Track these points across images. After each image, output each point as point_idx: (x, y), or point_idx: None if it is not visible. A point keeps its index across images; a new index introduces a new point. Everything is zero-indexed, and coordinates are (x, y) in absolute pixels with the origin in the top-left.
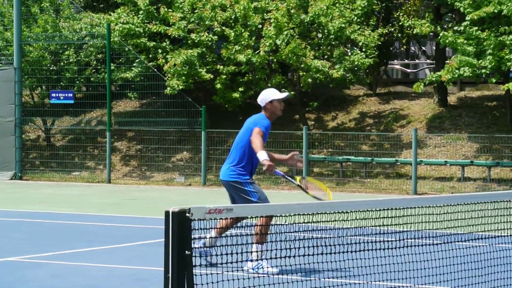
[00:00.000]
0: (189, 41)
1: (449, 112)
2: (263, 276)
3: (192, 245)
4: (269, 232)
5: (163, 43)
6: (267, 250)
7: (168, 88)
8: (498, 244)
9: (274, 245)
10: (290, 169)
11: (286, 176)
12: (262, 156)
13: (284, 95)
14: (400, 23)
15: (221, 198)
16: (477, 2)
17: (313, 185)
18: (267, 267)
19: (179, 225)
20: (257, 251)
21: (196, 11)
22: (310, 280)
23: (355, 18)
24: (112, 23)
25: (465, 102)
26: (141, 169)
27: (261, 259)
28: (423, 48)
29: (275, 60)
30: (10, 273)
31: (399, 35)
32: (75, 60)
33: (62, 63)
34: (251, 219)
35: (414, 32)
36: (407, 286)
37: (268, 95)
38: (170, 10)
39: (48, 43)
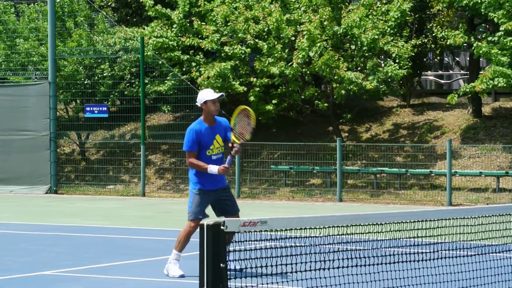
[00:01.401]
0: (223, 54)
1: (483, 123)
2: None
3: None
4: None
5: (196, 56)
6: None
7: None
8: None
9: (308, 257)
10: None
11: (232, 153)
12: (213, 169)
13: (217, 95)
14: (433, 34)
15: (255, 211)
16: (511, 12)
17: (242, 127)
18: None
19: (214, 238)
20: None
21: (229, 23)
22: None
23: (388, 29)
24: (146, 37)
25: (500, 112)
26: (175, 182)
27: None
28: (457, 58)
29: (308, 72)
30: (46, 287)
31: (433, 46)
32: (109, 74)
33: (96, 77)
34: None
35: (448, 43)
36: None
37: (202, 96)
38: (203, 23)
39: (82, 57)
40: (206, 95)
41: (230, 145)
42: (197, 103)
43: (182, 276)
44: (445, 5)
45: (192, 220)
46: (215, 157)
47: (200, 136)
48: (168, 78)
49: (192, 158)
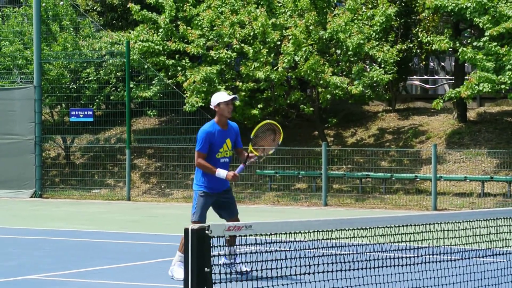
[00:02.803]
0: (208, 58)
1: (468, 128)
2: None
3: (221, 262)
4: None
5: (182, 61)
6: (287, 267)
7: (187, 105)
8: None
9: (293, 262)
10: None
11: (246, 163)
12: (221, 173)
13: (230, 97)
14: (419, 39)
15: (240, 215)
16: (496, 17)
17: (264, 141)
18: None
19: (199, 242)
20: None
21: (215, 28)
22: None
23: (374, 34)
24: (132, 41)
25: (485, 117)
26: (161, 186)
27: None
28: (442, 63)
29: (293, 76)
30: None
31: (418, 51)
32: (94, 78)
33: (81, 81)
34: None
35: (433, 48)
36: None
37: (215, 98)
38: (189, 27)
39: (68, 61)
40: (219, 97)
41: (246, 154)
42: (210, 106)
43: None
44: (430, 11)
45: (196, 221)
46: (223, 160)
47: (212, 138)
48: (153, 82)
49: (201, 158)
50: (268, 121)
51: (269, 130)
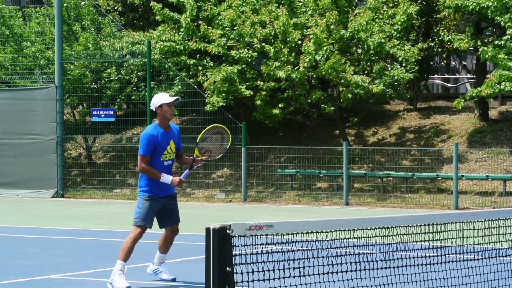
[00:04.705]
0: (229, 58)
1: (490, 127)
2: None
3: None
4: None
5: (203, 60)
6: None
7: (208, 105)
8: None
9: (315, 261)
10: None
11: (192, 168)
12: (166, 179)
13: (172, 99)
14: (440, 38)
15: (261, 214)
16: None
17: (211, 145)
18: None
19: (220, 242)
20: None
21: (236, 28)
22: None
23: (395, 33)
24: (153, 41)
25: (506, 116)
26: (182, 186)
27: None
28: (464, 62)
29: (314, 76)
30: None
31: (439, 49)
32: (116, 78)
33: (103, 81)
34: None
35: (454, 47)
36: None
37: (157, 100)
38: (210, 27)
39: (89, 61)
40: (161, 98)
41: (191, 158)
42: (151, 107)
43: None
44: (452, 9)
45: (139, 225)
46: (167, 163)
47: (156, 141)
48: (174, 82)
49: (145, 163)
50: (215, 125)
51: (216, 134)
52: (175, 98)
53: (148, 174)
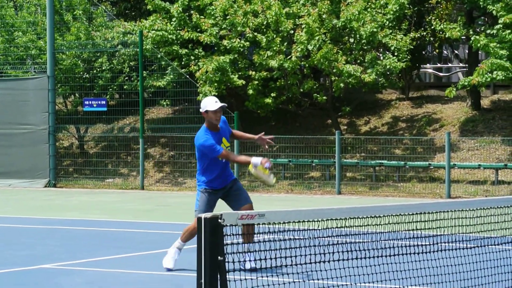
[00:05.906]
0: (221, 48)
1: (482, 116)
2: (299, 281)
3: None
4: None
5: (195, 50)
6: (301, 255)
7: (201, 95)
8: None
9: (307, 250)
10: (260, 150)
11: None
12: (255, 160)
13: (218, 105)
14: (432, 27)
15: (254, 203)
16: (510, 5)
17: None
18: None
19: (211, 231)
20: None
21: (228, 17)
22: (346, 285)
23: (387, 22)
24: (145, 31)
25: (499, 105)
26: (174, 175)
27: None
28: (456, 51)
29: (307, 65)
30: (46, 280)
31: (431, 39)
32: (108, 67)
33: (95, 71)
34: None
35: (446, 36)
36: None
37: (204, 105)
38: (202, 16)
39: (81, 51)
40: (207, 104)
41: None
42: (200, 110)
43: (168, 270)
44: None
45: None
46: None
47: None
48: (167, 72)
49: (227, 155)
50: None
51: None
52: (221, 105)
53: (231, 158)
